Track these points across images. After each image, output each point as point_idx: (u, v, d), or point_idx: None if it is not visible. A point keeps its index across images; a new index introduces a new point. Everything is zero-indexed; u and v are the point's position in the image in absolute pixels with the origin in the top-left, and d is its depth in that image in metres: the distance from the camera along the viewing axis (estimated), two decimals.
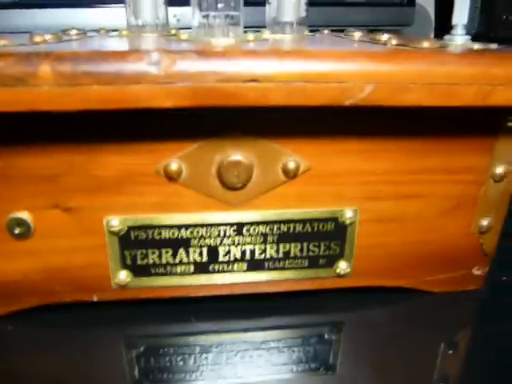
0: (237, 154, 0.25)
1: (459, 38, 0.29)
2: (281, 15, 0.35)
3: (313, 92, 0.22)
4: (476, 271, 0.31)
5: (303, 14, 0.35)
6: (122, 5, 0.33)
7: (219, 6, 0.27)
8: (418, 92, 0.22)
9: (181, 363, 0.27)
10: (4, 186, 0.25)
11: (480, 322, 0.31)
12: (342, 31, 0.38)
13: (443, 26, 0.95)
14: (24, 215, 0.25)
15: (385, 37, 0.29)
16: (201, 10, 0.28)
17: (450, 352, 0.27)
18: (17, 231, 0.26)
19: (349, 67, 0.22)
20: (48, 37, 0.27)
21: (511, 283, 0.33)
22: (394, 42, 0.27)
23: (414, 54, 0.23)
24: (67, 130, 0.24)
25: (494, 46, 0.27)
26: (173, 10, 0.55)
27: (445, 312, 0.31)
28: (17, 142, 0.24)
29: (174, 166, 0.25)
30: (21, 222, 0.25)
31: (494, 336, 0.28)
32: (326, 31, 0.39)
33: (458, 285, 0.31)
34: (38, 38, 0.25)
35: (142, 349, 0.28)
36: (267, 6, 0.35)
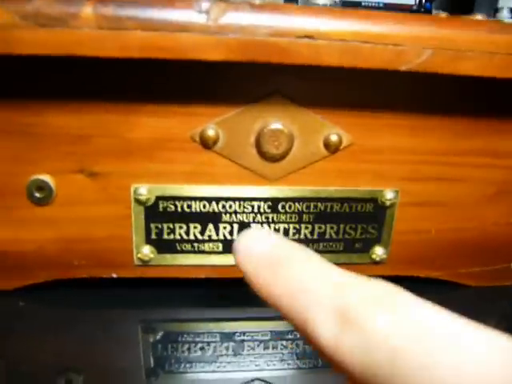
0: (278, 122, 0.24)
1: (506, 20, 0.28)
2: None
3: (368, 53, 0.21)
4: None
5: None
6: None
7: None
8: (477, 60, 0.21)
9: (199, 352, 0.25)
10: (28, 144, 0.23)
11: None
12: None
13: None
14: (46, 178, 0.24)
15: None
16: None
17: None
18: (37, 195, 0.24)
19: (407, 30, 0.21)
20: None
21: None
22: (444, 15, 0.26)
23: (474, 21, 0.22)
24: (102, 87, 0.23)
25: None
26: None
27: (480, 308, 0.29)
28: (46, 95, 0.22)
29: (210, 132, 0.23)
30: (42, 186, 0.24)
31: None
32: None
33: (496, 279, 0.29)
34: None
35: (159, 335, 0.26)
36: None
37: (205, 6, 0.19)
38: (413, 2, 0.75)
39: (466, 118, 0.25)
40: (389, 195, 0.26)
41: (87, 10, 0.19)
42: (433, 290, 0.29)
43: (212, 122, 0.23)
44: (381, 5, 0.73)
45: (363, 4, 0.73)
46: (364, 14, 0.21)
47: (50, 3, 0.19)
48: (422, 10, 0.77)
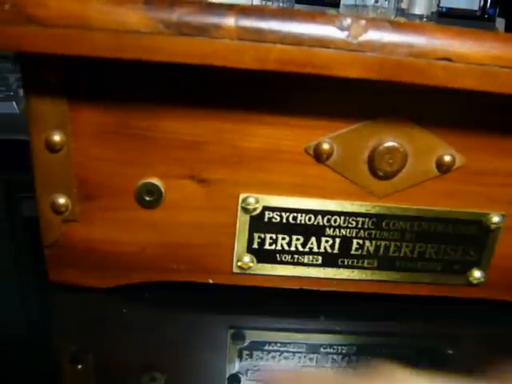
0: (393, 140, 0.23)
1: None
2: (411, 7, 0.33)
3: (506, 78, 0.20)
4: None
5: (434, 8, 0.34)
6: None
7: None
8: None
9: (284, 361, 0.25)
10: (141, 148, 0.23)
11: None
12: None
13: None
14: (157, 182, 0.24)
15: None
16: None
17: None
18: (147, 198, 0.24)
19: None
20: None
21: None
22: None
23: None
24: (218, 95, 0.22)
25: None
26: None
27: None
28: (163, 101, 0.22)
29: (325, 146, 0.23)
30: (153, 189, 0.24)
31: None
32: None
33: None
34: None
35: (247, 342, 0.26)
36: None
37: (346, 22, 0.19)
38: (476, 8, 0.73)
39: None
40: (495, 219, 0.25)
41: (229, 22, 0.19)
42: None
43: (328, 136, 0.23)
44: (444, 10, 0.72)
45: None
46: (502, 37, 0.20)
47: (194, 13, 0.19)
48: (486, 15, 0.75)
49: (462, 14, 0.71)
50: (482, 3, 0.71)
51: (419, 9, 0.33)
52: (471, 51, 0.20)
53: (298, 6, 0.27)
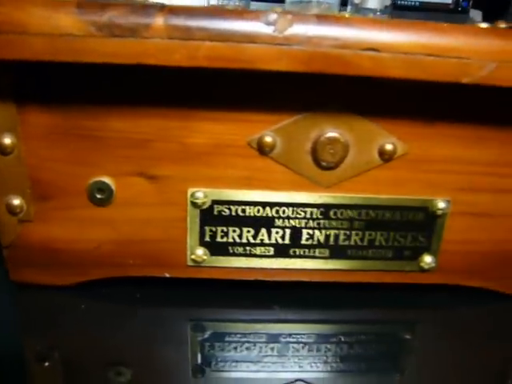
0: (334, 130, 0.24)
1: None
2: (364, 1, 0.34)
3: (432, 66, 0.21)
4: None
5: (387, 1, 0.35)
6: None
7: None
8: None
9: (245, 352, 0.25)
10: (90, 147, 0.24)
11: None
12: None
13: None
14: (107, 180, 0.25)
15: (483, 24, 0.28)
16: None
17: None
18: (98, 196, 0.25)
19: (471, 43, 0.21)
20: None
21: None
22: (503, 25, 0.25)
23: None
24: (162, 93, 0.23)
25: None
26: None
27: None
28: (109, 101, 0.23)
29: (268, 139, 0.24)
30: (103, 187, 0.25)
31: None
32: None
33: None
34: None
35: (207, 334, 0.27)
36: None
37: (272, 17, 0.20)
38: (449, 1, 0.74)
39: None
40: (440, 205, 0.26)
41: (159, 21, 0.20)
42: (481, 300, 0.29)
43: (270, 129, 0.24)
44: (417, 4, 0.72)
45: (398, 3, 0.72)
46: (428, 27, 0.21)
47: (124, 14, 0.20)
48: (459, 8, 0.75)
49: (434, 7, 0.72)
50: None
51: (372, 3, 0.34)
52: (397, 41, 0.20)
53: (254, 4, 0.28)
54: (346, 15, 0.26)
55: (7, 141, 0.24)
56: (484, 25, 0.24)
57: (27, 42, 0.20)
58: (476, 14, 0.88)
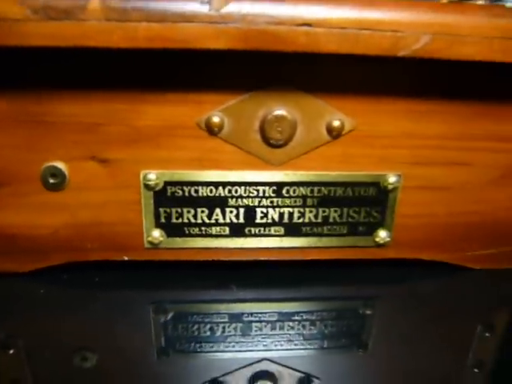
0: (281, 108, 0.25)
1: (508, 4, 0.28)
2: None
3: (366, 40, 0.21)
4: None
5: None
6: None
7: None
8: (475, 45, 0.22)
9: (208, 332, 0.26)
10: (41, 133, 0.25)
11: None
12: None
13: None
14: (60, 165, 0.25)
15: None
16: None
17: (487, 334, 0.27)
18: (51, 181, 0.25)
19: (404, 16, 0.22)
20: None
21: None
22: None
23: (473, 6, 0.22)
24: (110, 77, 0.24)
25: None
26: None
27: (485, 292, 0.30)
28: (57, 86, 0.24)
29: (215, 119, 0.24)
30: (56, 172, 0.25)
31: None
32: None
33: (503, 262, 0.30)
34: None
35: (170, 315, 0.27)
36: None
37: None
38: None
39: (469, 103, 0.26)
40: (391, 179, 0.27)
41: (94, 3, 0.20)
42: (437, 273, 0.30)
43: (217, 110, 0.25)
44: None
45: None
46: (362, 1, 0.22)
47: None
48: None
49: None
50: None
51: None
52: (330, 16, 0.21)
53: None
54: None
55: None
56: None
57: None
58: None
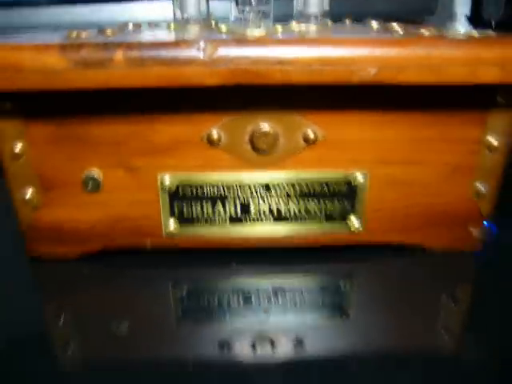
0: (265, 124, 0.32)
1: (461, 27, 0.34)
2: (306, 8, 0.41)
3: (327, 73, 0.28)
4: (474, 233, 0.36)
5: (326, 7, 0.41)
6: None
7: (253, 2, 0.34)
8: (411, 73, 0.28)
9: (216, 302, 0.33)
10: (81, 148, 0.32)
11: (477, 277, 0.36)
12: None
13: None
14: (96, 172, 0.33)
15: (395, 25, 0.35)
16: (237, 5, 0.34)
17: (449, 302, 0.33)
18: (90, 186, 0.33)
19: (356, 53, 0.28)
20: (113, 31, 0.34)
21: (506, 245, 0.39)
22: (401, 31, 0.32)
23: (412, 41, 0.29)
24: (132, 105, 0.31)
25: (492, 33, 0.32)
26: None
27: (442, 267, 0.36)
28: (92, 113, 0.31)
29: (214, 134, 0.32)
30: (93, 178, 0.33)
31: (490, 289, 0.34)
32: (347, 21, 0.45)
33: (457, 245, 0.36)
34: (108, 31, 0.33)
35: (185, 289, 0.35)
36: (295, 1, 0.41)
37: (202, 45, 0.27)
38: None
39: (418, 114, 0.32)
40: (359, 177, 0.33)
41: (119, 55, 0.27)
42: (402, 254, 0.37)
43: (215, 127, 0.32)
44: None
45: None
46: (323, 42, 0.28)
47: (93, 51, 0.27)
48: None
49: None
50: None
51: (312, 9, 0.41)
52: (299, 56, 0.28)
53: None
54: (258, 34, 0.32)
55: (17, 148, 0.32)
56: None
57: (23, 77, 0.28)
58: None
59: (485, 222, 0.36)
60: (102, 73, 0.27)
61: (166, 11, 0.59)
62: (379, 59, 0.28)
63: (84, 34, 0.30)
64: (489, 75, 0.28)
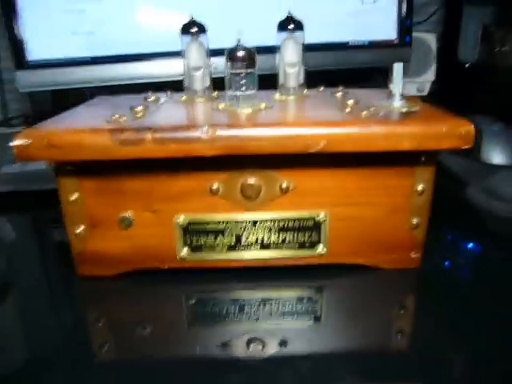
0: (251, 179, 0.44)
1: (396, 103, 0.47)
2: (287, 82, 0.54)
3: (291, 145, 0.41)
4: (413, 255, 0.48)
5: (301, 81, 0.55)
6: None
7: (243, 88, 0.47)
8: (350, 144, 0.41)
9: (217, 309, 0.45)
10: (118, 197, 0.45)
11: (417, 289, 0.48)
12: (335, 84, 0.57)
13: (446, 57, 1.11)
14: (128, 214, 0.46)
15: (350, 103, 0.47)
16: (231, 90, 0.47)
17: (398, 308, 0.45)
18: (124, 224, 0.46)
19: (311, 132, 0.41)
20: (140, 108, 0.47)
21: (439, 264, 0.51)
22: (350, 108, 0.45)
23: (350, 122, 0.41)
24: (155, 167, 0.44)
25: (416, 108, 0.45)
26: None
27: (392, 282, 0.48)
28: (126, 173, 0.44)
29: (215, 186, 0.44)
30: (126, 218, 0.45)
31: (428, 298, 0.46)
32: (321, 88, 0.58)
33: (401, 264, 0.48)
34: (138, 111, 0.46)
35: (194, 300, 0.47)
36: (278, 76, 0.54)
37: (205, 129, 0.40)
38: (394, 38, 0.92)
39: (365, 168, 0.44)
40: (321, 215, 0.46)
41: (149, 136, 0.40)
42: (361, 272, 0.49)
43: (215, 181, 0.44)
44: (366, 43, 0.91)
45: (350, 43, 0.92)
46: (288, 124, 0.41)
47: (130, 134, 0.40)
48: (403, 43, 0.93)
49: (382, 44, 0.91)
50: (399, 33, 0.91)
51: (292, 83, 0.54)
52: (268, 135, 0.40)
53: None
54: (246, 111, 0.45)
55: (73, 197, 0.45)
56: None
57: (83, 151, 0.41)
58: (431, 39, 1.05)
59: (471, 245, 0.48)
60: (136, 149, 0.40)
61: (174, 68, 0.73)
62: (327, 136, 0.41)
63: (123, 119, 0.43)
64: (405, 145, 0.41)
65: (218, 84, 0.54)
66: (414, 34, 0.98)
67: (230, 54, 0.46)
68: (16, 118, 1.01)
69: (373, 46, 0.90)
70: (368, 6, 0.88)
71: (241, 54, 0.45)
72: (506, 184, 0.65)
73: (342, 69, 0.91)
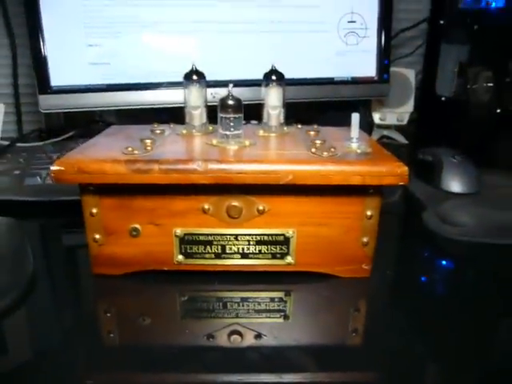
0: (235, 202, 0.58)
1: (354, 145, 0.61)
2: (269, 121, 0.68)
3: (265, 178, 0.54)
4: (364, 266, 0.62)
5: (282, 120, 0.69)
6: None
7: (232, 129, 0.61)
8: (315, 179, 0.55)
9: (205, 305, 0.59)
10: (128, 212, 0.59)
11: (369, 294, 0.61)
12: (310, 123, 0.71)
13: (426, 89, 1.25)
14: (137, 226, 0.59)
15: (317, 143, 0.61)
16: (222, 129, 0.61)
17: (352, 309, 0.58)
18: (133, 233, 0.59)
19: (281, 168, 0.54)
20: (149, 142, 0.61)
21: (385, 274, 0.64)
22: (316, 147, 0.59)
23: (313, 161, 0.55)
24: (158, 191, 0.58)
25: (369, 150, 0.59)
26: (211, 90, 0.79)
27: (350, 288, 0.61)
28: (137, 193, 0.58)
29: (206, 207, 0.58)
30: (135, 229, 0.59)
31: (377, 301, 0.60)
32: (299, 125, 0.72)
33: (355, 273, 0.62)
34: (147, 143, 0.60)
35: (186, 297, 0.61)
36: (263, 115, 0.68)
37: (200, 163, 0.54)
38: (374, 75, 1.07)
39: (326, 196, 0.58)
40: (290, 233, 0.59)
41: (156, 167, 0.54)
42: (323, 279, 0.62)
43: (206, 203, 0.58)
44: (349, 79, 1.06)
45: (335, 79, 1.06)
46: (264, 161, 0.55)
47: (142, 165, 0.54)
48: (382, 79, 1.08)
49: (363, 80, 1.05)
50: (378, 71, 1.05)
51: (273, 122, 0.68)
52: (247, 169, 0.54)
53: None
54: (234, 147, 0.59)
55: (94, 211, 0.59)
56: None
57: (105, 177, 0.55)
58: (410, 73, 1.20)
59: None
60: (146, 176, 0.54)
61: (176, 96, 0.88)
62: (293, 171, 0.54)
63: (136, 152, 0.57)
64: (354, 181, 0.55)
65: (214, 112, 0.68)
66: (395, 69, 1.13)
67: (222, 102, 0.60)
68: (31, 133, 1.16)
69: (355, 81, 1.04)
70: (352, 47, 1.02)
71: (231, 102, 0.59)
72: (456, 210, 0.78)
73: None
